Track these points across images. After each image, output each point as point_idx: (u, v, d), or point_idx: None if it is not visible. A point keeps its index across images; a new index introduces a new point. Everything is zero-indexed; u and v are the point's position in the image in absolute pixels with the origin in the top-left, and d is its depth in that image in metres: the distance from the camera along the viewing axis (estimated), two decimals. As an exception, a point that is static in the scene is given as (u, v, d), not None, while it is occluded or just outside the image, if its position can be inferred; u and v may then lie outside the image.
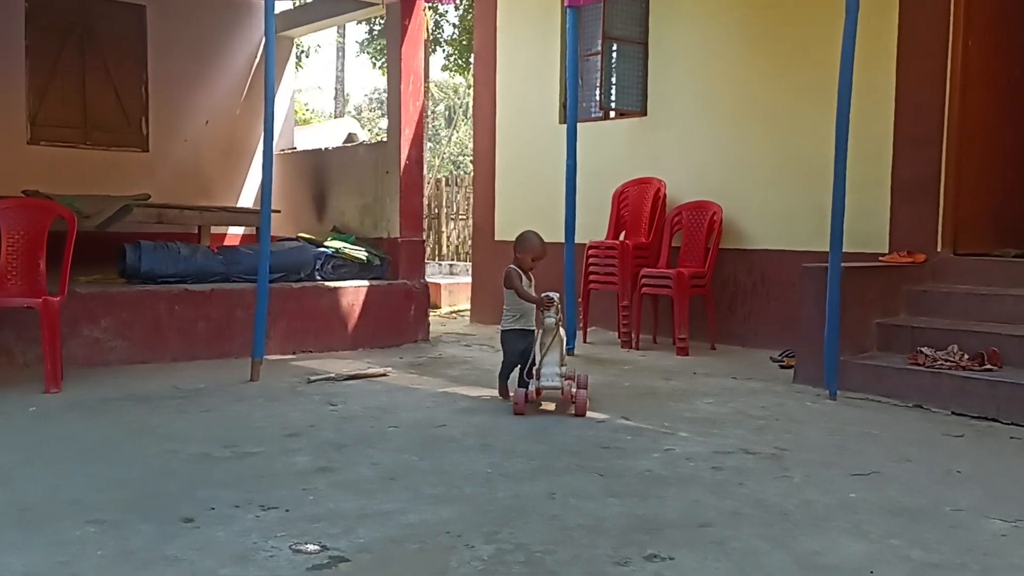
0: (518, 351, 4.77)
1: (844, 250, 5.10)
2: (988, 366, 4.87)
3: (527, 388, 4.62)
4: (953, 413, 4.72)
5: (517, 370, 4.84)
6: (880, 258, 6.06)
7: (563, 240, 6.76)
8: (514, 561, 2.64)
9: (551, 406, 4.77)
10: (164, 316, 6.07)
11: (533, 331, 4.77)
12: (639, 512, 3.11)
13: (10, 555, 2.60)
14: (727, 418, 4.62)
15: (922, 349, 5.18)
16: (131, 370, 5.71)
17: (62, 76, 8.18)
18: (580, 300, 7.27)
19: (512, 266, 4.85)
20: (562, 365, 4.70)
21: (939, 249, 6.02)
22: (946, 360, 5.01)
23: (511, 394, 4.77)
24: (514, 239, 4.98)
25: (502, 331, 4.89)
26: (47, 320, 4.95)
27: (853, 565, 2.66)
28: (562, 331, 4.72)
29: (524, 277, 4.82)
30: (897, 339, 5.46)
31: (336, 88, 31.54)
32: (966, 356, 5.00)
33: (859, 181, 5.71)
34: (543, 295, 4.70)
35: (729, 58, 7.23)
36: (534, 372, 4.66)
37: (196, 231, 7.84)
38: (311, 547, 2.72)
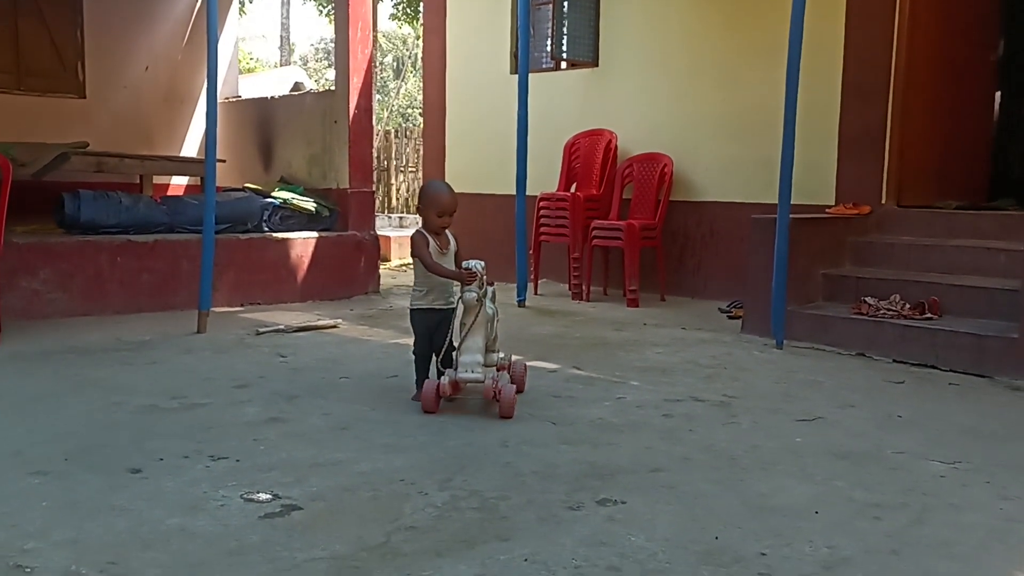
0: (427, 335, 3.80)
1: (792, 202, 5.16)
2: (928, 315, 4.99)
3: (440, 381, 3.69)
4: (894, 361, 4.84)
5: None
6: (826, 210, 6.15)
7: (514, 192, 6.73)
8: (468, 507, 2.65)
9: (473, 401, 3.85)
10: (106, 267, 5.91)
11: (447, 310, 3.78)
12: (591, 459, 3.14)
13: (-50, 508, 2.54)
14: (677, 367, 4.67)
15: (866, 299, 5.29)
16: (72, 323, 5.57)
17: (-8, 19, 7.82)
18: (531, 252, 7.26)
19: (419, 230, 3.84)
20: (490, 351, 3.82)
21: (883, 201, 6.13)
22: (888, 309, 5.13)
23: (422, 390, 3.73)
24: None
25: (410, 311, 3.91)
26: (-18, 271, 4.79)
27: (799, 506, 2.72)
28: (490, 308, 3.76)
29: (434, 242, 3.78)
30: (842, 289, 5.57)
31: (281, 36, 30.81)
32: (907, 305, 5.12)
33: (807, 134, 5.76)
34: (463, 264, 3.72)
35: (681, 10, 7.20)
36: (453, 360, 3.75)
37: (138, 180, 7.62)
38: (263, 496, 2.69)
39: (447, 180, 8.84)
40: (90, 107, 8.29)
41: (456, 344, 3.73)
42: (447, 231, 3.86)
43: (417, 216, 3.68)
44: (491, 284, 3.78)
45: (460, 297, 3.68)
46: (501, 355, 3.91)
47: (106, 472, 2.87)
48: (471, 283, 3.64)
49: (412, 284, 3.90)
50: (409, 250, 3.86)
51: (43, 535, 2.37)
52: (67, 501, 2.62)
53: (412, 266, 3.72)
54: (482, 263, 3.71)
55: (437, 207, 3.79)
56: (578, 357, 4.86)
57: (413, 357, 3.90)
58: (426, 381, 3.72)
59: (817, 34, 5.96)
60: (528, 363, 4.67)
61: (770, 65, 6.32)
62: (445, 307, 3.80)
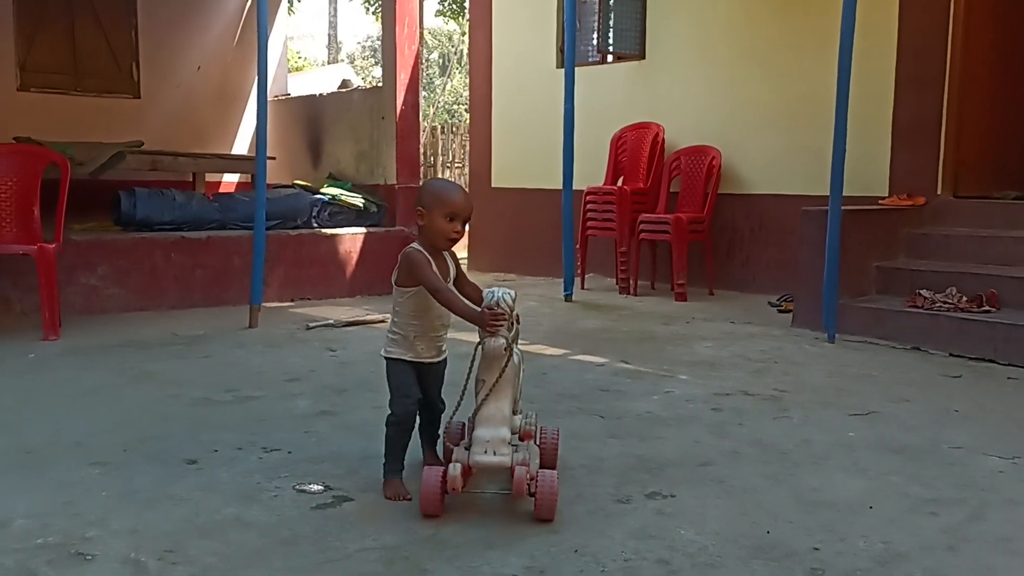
0: (414, 398, 2.68)
1: (844, 194, 5.07)
2: (986, 308, 4.87)
3: (448, 469, 2.47)
4: (951, 355, 4.74)
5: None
6: (880, 201, 6.04)
7: (561, 186, 6.71)
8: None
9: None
10: (161, 264, 6.04)
11: (439, 363, 2.75)
12: (639, 452, 3.12)
13: (14, 497, 2.61)
14: (726, 361, 4.63)
15: (921, 292, 5.19)
16: (129, 318, 5.70)
17: (51, 21, 8.03)
18: (578, 246, 7.25)
19: (414, 247, 2.65)
20: (516, 413, 2.66)
21: (939, 192, 6.00)
22: (944, 302, 5.02)
23: (420, 482, 2.50)
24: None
25: (385, 360, 2.75)
26: (43, 267, 4.92)
27: (853, 501, 2.68)
28: (516, 355, 2.59)
29: (433, 265, 2.63)
30: (896, 282, 5.46)
31: (329, 35, 31.15)
32: (964, 298, 5.00)
33: (859, 124, 5.66)
34: (485, 296, 2.59)
35: (728, 0, 7.12)
36: (465, 434, 2.65)
37: (190, 178, 7.77)
38: (315, 487, 2.73)
39: (493, 175, 8.89)
40: (144, 107, 8.48)
41: (456, 407, 2.66)
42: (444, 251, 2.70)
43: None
44: (517, 321, 2.64)
45: (480, 344, 2.55)
46: (524, 417, 2.71)
47: (163, 463, 2.94)
48: (499, 326, 2.52)
49: (388, 326, 2.79)
50: (396, 271, 2.67)
51: (103, 523, 2.43)
52: (126, 490, 2.68)
53: (394, 296, 2.71)
54: (512, 293, 2.59)
55: (448, 207, 2.62)
56: (626, 351, 4.84)
57: (386, 428, 2.69)
58: (426, 469, 2.52)
59: (869, 22, 5.85)
60: (576, 357, 4.68)
61: (819, 54, 6.22)
62: (438, 360, 2.74)
